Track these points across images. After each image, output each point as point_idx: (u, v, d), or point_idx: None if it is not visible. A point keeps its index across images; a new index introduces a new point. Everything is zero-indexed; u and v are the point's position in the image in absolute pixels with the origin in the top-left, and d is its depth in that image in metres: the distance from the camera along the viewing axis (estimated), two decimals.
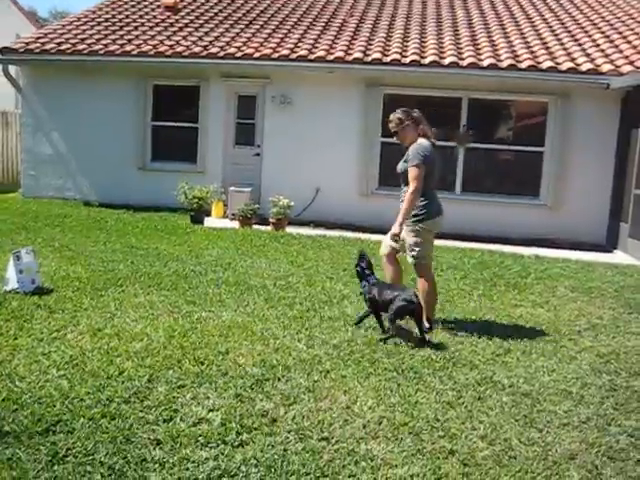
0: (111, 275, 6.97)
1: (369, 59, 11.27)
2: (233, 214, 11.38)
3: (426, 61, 11.10)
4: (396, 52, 11.40)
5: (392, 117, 5.72)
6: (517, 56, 11.23)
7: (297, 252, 8.87)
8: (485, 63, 10.95)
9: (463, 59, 11.14)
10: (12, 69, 12.91)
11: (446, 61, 11.04)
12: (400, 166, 5.71)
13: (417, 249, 5.62)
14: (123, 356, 4.57)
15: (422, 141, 5.59)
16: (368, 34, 12.49)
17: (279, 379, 4.30)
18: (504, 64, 10.91)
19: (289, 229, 10.83)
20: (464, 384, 4.38)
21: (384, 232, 10.71)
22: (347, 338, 5.21)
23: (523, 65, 10.86)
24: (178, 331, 5.16)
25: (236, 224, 11.01)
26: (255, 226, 11.04)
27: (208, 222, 11.16)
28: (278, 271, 7.63)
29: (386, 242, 5.84)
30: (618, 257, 10.22)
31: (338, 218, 11.61)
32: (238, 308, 5.95)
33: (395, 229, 5.52)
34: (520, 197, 11.66)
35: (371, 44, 11.94)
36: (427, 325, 5.49)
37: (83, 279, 6.71)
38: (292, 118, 12.00)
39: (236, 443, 3.44)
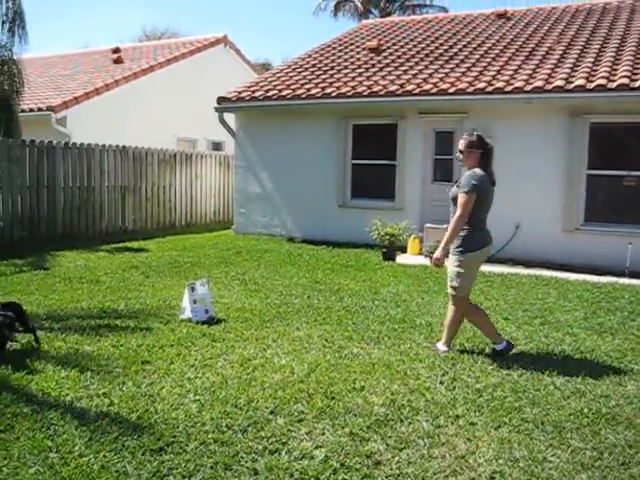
0: (283, 308, 7.21)
1: (571, 87, 10.56)
2: (427, 251, 11.22)
3: (636, 84, 10.13)
4: (602, 77, 10.55)
5: (465, 136, 5.72)
6: None
7: (480, 290, 8.48)
8: None
9: None
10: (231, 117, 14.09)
11: None
12: (452, 190, 5.69)
13: (458, 279, 5.52)
14: (258, 386, 4.69)
15: (477, 170, 5.50)
16: (574, 60, 11.73)
17: (402, 421, 4.12)
18: None
19: (483, 267, 10.30)
20: (610, 445, 3.83)
21: (588, 271, 10.02)
22: (494, 382, 4.85)
23: None
24: (322, 366, 5.18)
25: (428, 261, 10.84)
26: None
27: (401, 259, 11.13)
28: None
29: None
30: None
31: (539, 256, 10.95)
32: (393, 346, 5.82)
33: (437, 253, 5.53)
34: None
35: (576, 70, 11.19)
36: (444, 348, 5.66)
37: (255, 311, 7.03)
38: None
39: None
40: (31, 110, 14.64)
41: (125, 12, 65.94)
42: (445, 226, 11.23)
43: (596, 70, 11.03)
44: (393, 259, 10.99)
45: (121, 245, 12.29)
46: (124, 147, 13.88)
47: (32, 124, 13.93)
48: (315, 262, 10.59)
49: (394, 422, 4.10)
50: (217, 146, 19.26)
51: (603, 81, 10.43)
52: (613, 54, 11.70)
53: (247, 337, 6.02)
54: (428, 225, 11.58)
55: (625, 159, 10.94)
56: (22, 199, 11.96)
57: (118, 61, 18.73)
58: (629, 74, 10.50)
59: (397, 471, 3.47)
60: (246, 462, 3.56)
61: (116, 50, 19.89)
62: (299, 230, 13.37)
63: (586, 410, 4.34)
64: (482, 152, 5.57)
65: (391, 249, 11.09)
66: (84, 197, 13.09)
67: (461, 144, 5.66)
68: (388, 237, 11.02)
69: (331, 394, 4.55)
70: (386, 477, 3.41)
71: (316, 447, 3.74)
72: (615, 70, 10.86)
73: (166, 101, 17.22)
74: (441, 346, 5.70)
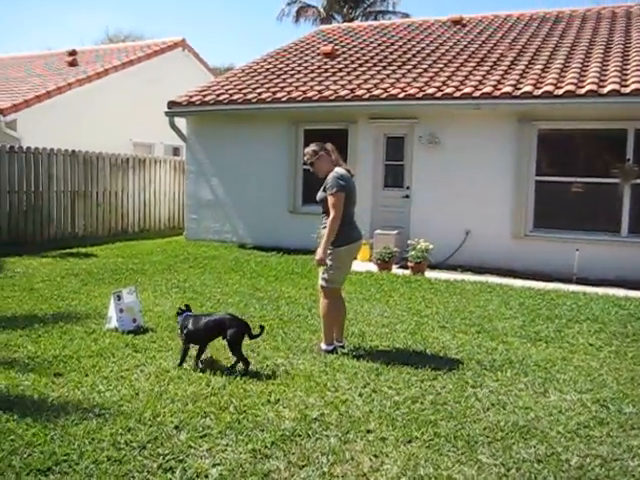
0: None
1: (518, 93, 10.55)
2: (376, 258, 11.10)
3: (582, 91, 10.13)
4: (550, 84, 10.55)
5: (306, 150, 5.91)
6: None
7: (422, 298, 8.38)
8: None
9: (627, 86, 10.01)
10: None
11: (605, 90, 9.99)
12: (319, 194, 5.79)
13: (330, 272, 5.67)
14: (169, 399, 4.50)
15: (339, 169, 5.70)
16: (524, 67, 11.74)
17: (309, 436, 3.97)
18: None
19: (431, 273, 10.32)
20: (519, 460, 3.72)
21: (538, 277, 9.99)
22: (414, 394, 4.72)
23: None
24: (239, 378, 5.00)
25: (376, 268, 10.73)
26: (397, 270, 10.69)
27: None
28: (389, 317, 7.24)
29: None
30: None
31: (488, 262, 10.93)
32: (319, 356, 5.67)
33: (319, 254, 5.57)
34: None
35: (525, 77, 11.19)
36: (340, 343, 5.89)
37: None
38: (441, 158, 11.56)
39: None
40: None
41: (90, 15, 65.01)
42: (395, 232, 11.28)
43: (544, 77, 11.04)
44: None
45: (68, 251, 11.98)
46: (74, 151, 13.57)
47: None
48: (261, 269, 10.41)
49: (301, 438, 3.94)
50: (176, 151, 18.99)
51: (550, 88, 10.42)
52: (562, 62, 11.72)
53: (171, 347, 5.84)
54: (378, 231, 11.46)
55: (573, 165, 10.95)
56: None
57: (73, 64, 18.39)
58: (576, 81, 10.52)
59: None
60: None
61: (72, 53, 19.49)
62: (250, 236, 13.18)
63: (502, 423, 4.23)
64: (326, 153, 5.79)
65: None
66: (31, 202, 12.77)
67: (308, 159, 5.82)
68: None
69: (243, 407, 4.39)
70: None
71: (213, 465, 3.57)
72: (563, 77, 10.88)
73: (122, 105, 16.93)
74: (336, 342, 5.93)
